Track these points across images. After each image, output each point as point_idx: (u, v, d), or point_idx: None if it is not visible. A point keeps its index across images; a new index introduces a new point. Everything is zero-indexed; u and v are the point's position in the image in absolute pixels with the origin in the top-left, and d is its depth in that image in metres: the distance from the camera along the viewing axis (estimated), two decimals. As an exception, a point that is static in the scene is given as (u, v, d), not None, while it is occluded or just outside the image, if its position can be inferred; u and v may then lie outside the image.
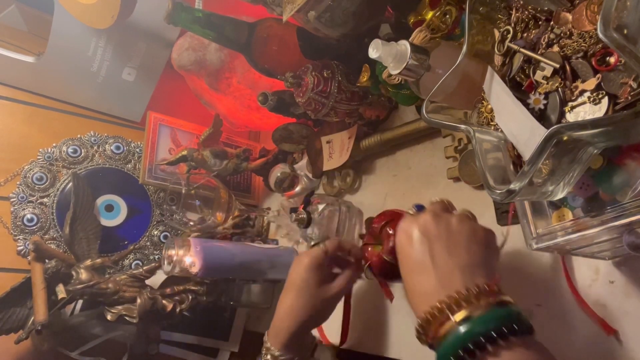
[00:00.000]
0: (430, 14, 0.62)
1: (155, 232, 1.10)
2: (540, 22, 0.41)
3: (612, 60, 0.35)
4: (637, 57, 0.30)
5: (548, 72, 0.39)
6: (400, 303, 0.70)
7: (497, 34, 0.45)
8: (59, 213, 1.00)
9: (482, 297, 0.38)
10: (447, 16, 0.61)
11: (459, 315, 0.38)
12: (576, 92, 0.37)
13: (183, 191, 0.96)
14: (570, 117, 0.37)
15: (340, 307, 0.80)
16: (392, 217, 0.63)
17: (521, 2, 0.43)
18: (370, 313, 0.74)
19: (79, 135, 1.07)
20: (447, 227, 0.45)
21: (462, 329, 0.37)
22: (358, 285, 0.78)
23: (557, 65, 0.38)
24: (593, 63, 0.36)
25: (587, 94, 0.36)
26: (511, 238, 0.59)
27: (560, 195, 0.38)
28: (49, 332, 0.85)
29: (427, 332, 0.40)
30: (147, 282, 0.93)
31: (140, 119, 1.14)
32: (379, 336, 0.72)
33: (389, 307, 0.72)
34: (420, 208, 0.53)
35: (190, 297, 0.93)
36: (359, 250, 0.67)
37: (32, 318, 0.82)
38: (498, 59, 0.44)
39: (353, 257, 0.67)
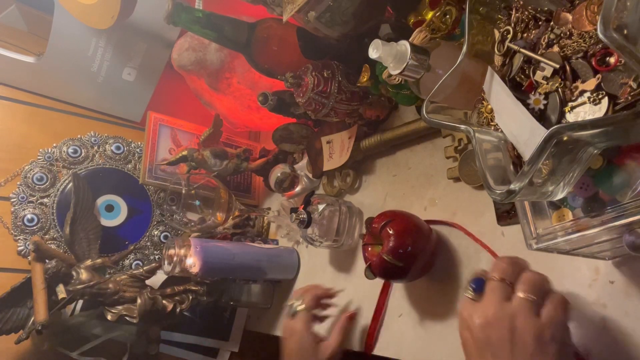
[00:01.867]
0: (430, 14, 0.62)
1: (156, 232, 1.10)
2: (540, 22, 0.41)
3: (612, 60, 0.35)
4: (637, 57, 0.30)
5: (548, 72, 0.39)
6: (400, 303, 0.70)
7: (497, 34, 0.45)
8: (59, 213, 1.00)
9: None
10: (447, 16, 0.61)
11: None
12: (576, 93, 0.37)
13: (183, 191, 0.96)
14: (570, 118, 0.37)
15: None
16: (392, 217, 0.64)
17: (521, 2, 0.43)
18: (370, 313, 0.74)
19: (79, 136, 1.07)
20: (511, 337, 0.42)
21: None
22: (357, 286, 0.78)
23: (557, 66, 0.38)
24: (593, 63, 0.36)
25: (587, 94, 0.36)
26: (511, 238, 0.59)
27: (560, 196, 0.38)
28: (49, 332, 0.85)
29: None
30: (148, 282, 0.93)
31: (140, 119, 1.14)
32: (378, 336, 0.72)
33: (389, 308, 0.72)
34: (478, 288, 0.45)
35: (190, 297, 0.93)
36: (326, 289, 0.75)
37: (33, 318, 0.82)
38: (498, 59, 0.44)
39: (330, 295, 0.73)
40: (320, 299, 0.74)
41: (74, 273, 0.86)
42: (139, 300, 0.87)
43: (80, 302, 0.96)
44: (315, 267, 0.90)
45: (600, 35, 0.30)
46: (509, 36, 0.43)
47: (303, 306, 0.71)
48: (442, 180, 0.69)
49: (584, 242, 0.42)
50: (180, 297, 0.93)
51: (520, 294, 0.43)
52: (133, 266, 1.05)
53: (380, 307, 0.72)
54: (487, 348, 0.42)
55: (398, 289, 0.71)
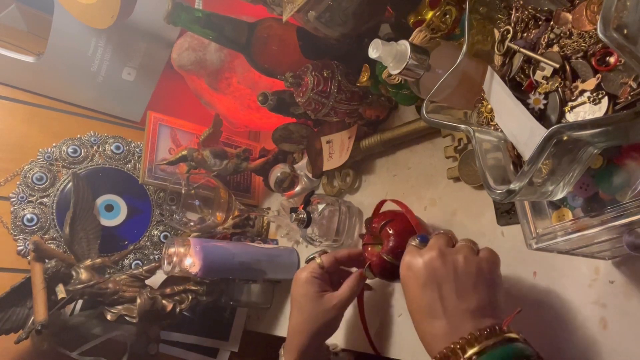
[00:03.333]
0: (430, 14, 0.62)
1: (155, 232, 1.10)
2: (540, 22, 0.41)
3: (612, 60, 0.35)
4: (637, 57, 0.30)
5: (548, 72, 0.38)
6: (400, 303, 0.70)
7: (497, 34, 0.45)
8: (59, 213, 1.00)
9: (492, 337, 0.41)
10: (447, 16, 0.61)
11: (471, 351, 0.41)
12: (576, 92, 0.37)
13: (183, 191, 0.96)
14: (570, 117, 0.37)
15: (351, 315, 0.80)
16: (392, 217, 0.64)
17: (521, 2, 0.43)
18: (370, 313, 0.74)
19: (79, 135, 1.07)
20: (455, 268, 0.46)
21: None
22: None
23: (557, 65, 0.38)
24: (593, 63, 0.36)
25: (587, 94, 0.36)
26: (511, 238, 0.59)
27: (560, 195, 0.38)
28: (49, 332, 0.85)
29: None
30: (147, 282, 0.93)
31: (140, 119, 1.14)
32: (379, 336, 0.72)
33: (389, 308, 0.72)
34: (424, 239, 0.52)
35: (190, 297, 0.93)
36: (357, 251, 0.69)
37: (32, 318, 0.82)
38: (498, 59, 0.44)
39: (353, 260, 0.69)
40: (339, 261, 0.69)
41: (73, 273, 0.86)
42: (138, 300, 0.87)
43: (80, 302, 0.95)
44: (315, 267, 0.90)
45: (600, 35, 0.30)
46: (509, 36, 0.43)
47: (318, 260, 0.68)
48: (442, 180, 0.69)
49: (583, 242, 0.42)
50: (180, 297, 0.92)
51: (460, 242, 0.50)
52: (133, 266, 1.05)
53: (361, 309, 0.72)
54: (433, 280, 0.46)
55: (398, 289, 0.71)
